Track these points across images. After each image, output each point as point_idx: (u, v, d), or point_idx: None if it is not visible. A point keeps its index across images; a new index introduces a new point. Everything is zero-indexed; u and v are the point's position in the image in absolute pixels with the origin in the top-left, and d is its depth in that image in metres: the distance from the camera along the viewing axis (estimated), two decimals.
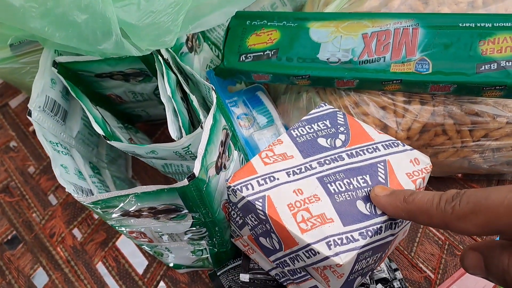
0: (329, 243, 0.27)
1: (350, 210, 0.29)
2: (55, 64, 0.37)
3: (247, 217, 0.32)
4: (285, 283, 0.34)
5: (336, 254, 0.26)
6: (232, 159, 0.36)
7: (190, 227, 0.35)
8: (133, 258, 0.46)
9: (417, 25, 0.40)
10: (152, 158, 0.37)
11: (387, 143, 0.33)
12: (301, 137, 0.34)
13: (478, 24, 0.38)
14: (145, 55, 0.35)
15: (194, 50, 0.46)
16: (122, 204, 0.32)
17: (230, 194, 0.32)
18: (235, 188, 0.30)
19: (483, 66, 0.36)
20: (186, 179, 0.29)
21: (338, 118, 0.36)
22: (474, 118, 0.39)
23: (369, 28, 0.41)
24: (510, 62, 0.35)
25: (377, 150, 0.33)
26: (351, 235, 0.27)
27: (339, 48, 0.41)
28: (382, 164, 0.32)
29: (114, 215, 0.33)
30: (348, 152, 0.32)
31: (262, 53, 0.42)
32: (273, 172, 0.31)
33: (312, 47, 0.41)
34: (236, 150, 0.38)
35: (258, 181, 0.31)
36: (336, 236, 0.27)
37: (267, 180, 0.31)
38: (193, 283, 0.44)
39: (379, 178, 0.31)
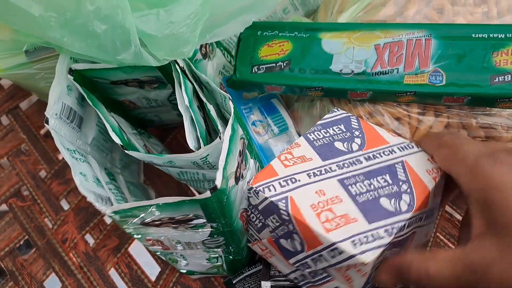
0: (354, 242, 0.27)
1: (374, 208, 0.29)
2: (71, 71, 0.37)
3: (268, 218, 0.32)
4: (304, 287, 0.35)
5: (362, 252, 0.27)
6: (248, 168, 0.37)
7: (208, 236, 0.35)
8: (146, 264, 0.46)
9: (429, 35, 0.39)
10: (169, 167, 0.37)
11: (402, 145, 0.35)
12: (318, 141, 0.35)
13: (491, 35, 0.38)
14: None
15: (207, 56, 0.46)
16: (142, 214, 0.32)
17: (252, 196, 0.32)
18: (257, 189, 0.31)
19: (497, 78, 0.36)
20: (208, 191, 0.29)
21: (352, 122, 0.37)
22: (488, 130, 0.39)
23: (382, 39, 0.41)
24: None
25: (393, 152, 0.34)
26: (377, 232, 0.28)
27: (352, 60, 0.40)
28: (400, 164, 0.33)
29: (133, 224, 0.34)
30: (366, 156, 0.33)
31: (274, 65, 0.42)
32: (294, 174, 0.32)
33: (324, 58, 0.41)
34: (252, 158, 0.38)
35: (280, 183, 0.31)
36: (361, 235, 0.28)
37: (289, 181, 0.31)
38: None
39: (399, 176, 0.32)
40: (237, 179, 0.33)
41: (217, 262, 0.40)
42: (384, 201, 0.30)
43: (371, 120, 0.41)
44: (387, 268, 0.30)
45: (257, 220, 0.34)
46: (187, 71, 0.37)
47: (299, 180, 0.31)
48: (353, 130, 0.35)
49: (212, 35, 0.37)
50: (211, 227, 0.34)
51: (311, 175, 0.32)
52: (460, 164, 0.29)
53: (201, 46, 0.44)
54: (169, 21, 0.33)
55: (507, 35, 0.38)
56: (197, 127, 0.34)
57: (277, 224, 0.31)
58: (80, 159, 0.37)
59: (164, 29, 0.33)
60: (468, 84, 0.37)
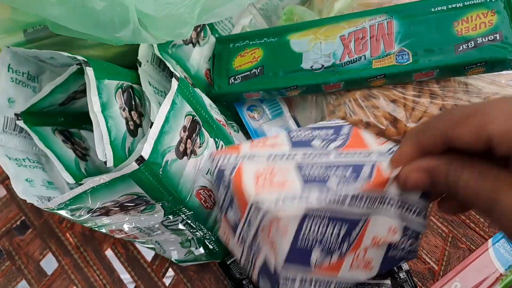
0: (278, 200, 0.25)
1: (317, 180, 0.27)
2: (18, 116, 0.36)
3: (219, 189, 0.31)
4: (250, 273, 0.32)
5: (279, 207, 0.25)
6: (206, 146, 0.36)
7: (164, 217, 0.34)
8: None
9: (391, 18, 0.40)
10: None
11: (383, 151, 0.30)
12: (297, 137, 0.33)
13: (450, 6, 0.39)
14: (80, 68, 0.34)
15: (194, 42, 0.45)
16: (83, 203, 0.31)
17: (211, 165, 0.32)
18: (214, 157, 0.31)
19: (461, 46, 0.37)
20: (134, 162, 0.28)
21: (343, 128, 0.34)
22: None
23: (346, 29, 0.42)
24: (486, 38, 0.36)
25: (368, 156, 0.30)
26: (306, 195, 0.25)
27: (321, 54, 0.41)
28: (371, 165, 0.28)
29: (83, 217, 0.33)
30: (337, 152, 0.30)
31: (249, 72, 0.43)
32: (255, 154, 0.31)
33: (294, 58, 0.42)
34: (212, 137, 0.37)
35: (236, 157, 0.31)
36: (288, 195, 0.25)
37: (246, 157, 0.30)
38: (201, 271, 0.44)
39: (363, 173, 0.27)
40: (181, 154, 0.32)
41: (190, 246, 0.40)
42: (331, 181, 0.27)
43: (367, 103, 0.41)
44: (417, 168, 0.26)
45: (219, 196, 0.32)
46: (145, 61, 0.36)
47: (257, 157, 0.30)
48: (340, 134, 0.33)
49: (208, 16, 0.38)
50: (162, 207, 0.33)
51: (271, 158, 0.30)
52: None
53: None
54: (167, 2, 0.33)
55: (465, 3, 0.38)
56: (104, 134, 0.31)
57: (224, 193, 0.31)
58: (30, 165, 0.36)
59: (162, 9, 0.33)
60: (434, 57, 0.37)
